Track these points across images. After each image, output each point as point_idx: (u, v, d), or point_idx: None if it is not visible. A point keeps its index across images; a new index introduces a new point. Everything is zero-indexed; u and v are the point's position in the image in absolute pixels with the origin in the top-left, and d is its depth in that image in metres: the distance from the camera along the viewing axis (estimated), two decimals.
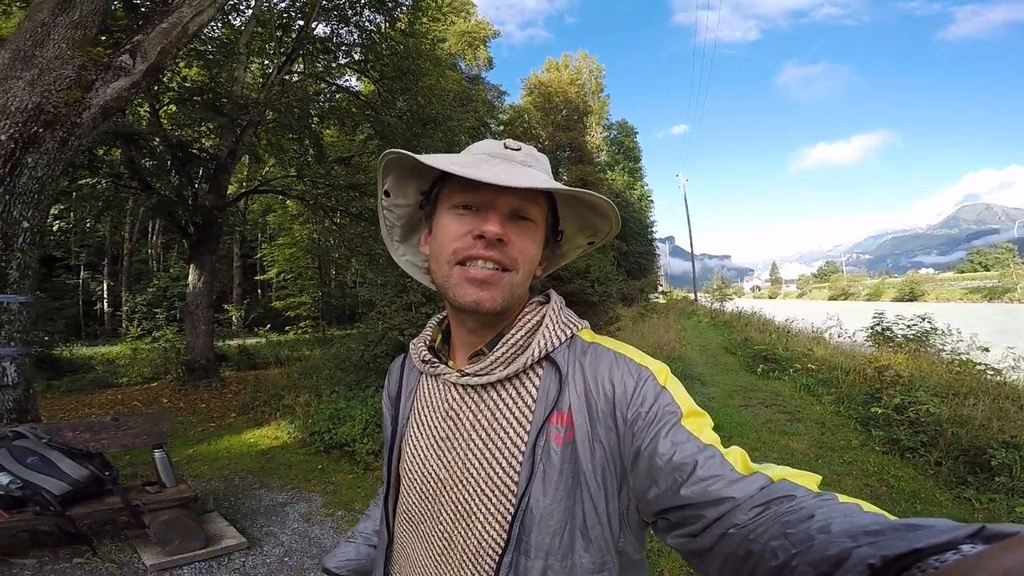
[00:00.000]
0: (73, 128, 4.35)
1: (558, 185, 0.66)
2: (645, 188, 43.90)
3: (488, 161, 0.69)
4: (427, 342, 0.80)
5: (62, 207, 15.87)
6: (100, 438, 3.27)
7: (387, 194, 0.77)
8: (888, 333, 10.26)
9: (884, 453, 5.07)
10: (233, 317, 19.97)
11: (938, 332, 9.41)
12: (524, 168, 0.69)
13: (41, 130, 4.15)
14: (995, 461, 4.15)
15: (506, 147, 0.72)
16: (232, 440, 5.96)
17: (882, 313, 10.96)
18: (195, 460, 5.22)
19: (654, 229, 43.37)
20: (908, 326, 9.89)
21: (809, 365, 8.57)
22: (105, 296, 21.04)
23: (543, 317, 0.73)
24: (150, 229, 22.76)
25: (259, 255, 21.81)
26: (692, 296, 38.52)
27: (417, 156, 0.66)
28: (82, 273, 20.86)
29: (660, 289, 39.74)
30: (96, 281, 21.29)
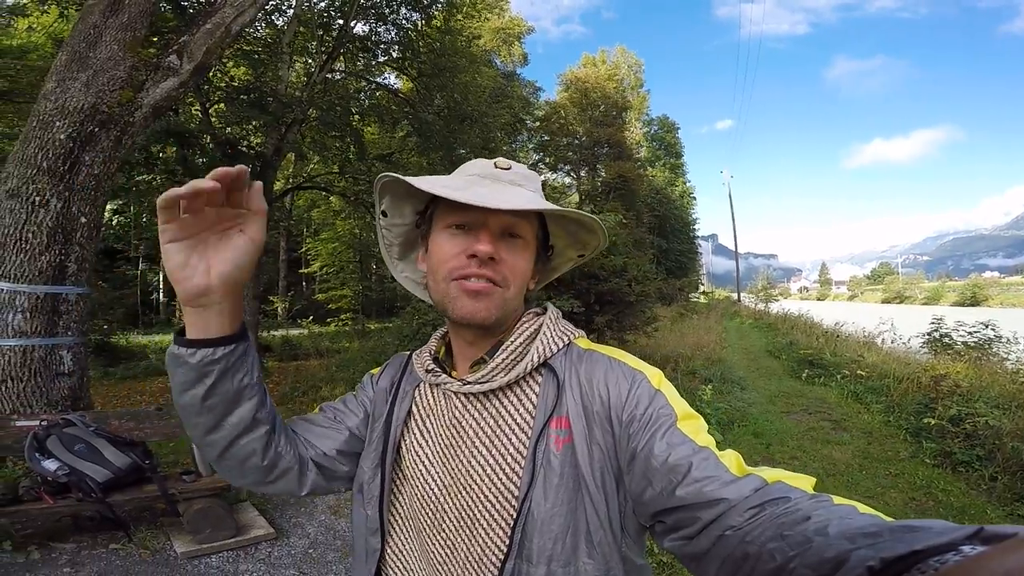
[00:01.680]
0: (126, 127, 4.55)
1: (546, 205, 0.69)
2: (687, 185, 42.90)
3: (478, 182, 0.72)
4: (431, 353, 0.81)
5: (121, 202, 16.74)
6: (144, 427, 3.41)
7: (384, 214, 0.80)
8: (947, 340, 9.70)
9: (934, 466, 4.79)
10: (279, 308, 20.68)
11: (1003, 340, 8.84)
12: (512, 188, 0.72)
13: (96, 129, 4.36)
14: None
15: (496, 167, 0.74)
16: None
17: (941, 318, 10.35)
18: None
19: (696, 227, 42.35)
20: (969, 333, 9.32)
21: (858, 371, 8.16)
22: (161, 287, 22.11)
23: (540, 326, 0.76)
24: None
25: (304, 249, 22.50)
26: (735, 296, 37.44)
27: (409, 180, 0.68)
28: (140, 264, 21.98)
29: (701, 289, 38.76)
30: (152, 272, 22.38)
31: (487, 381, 0.71)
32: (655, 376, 0.69)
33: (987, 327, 9.13)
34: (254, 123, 9.55)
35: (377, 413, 0.83)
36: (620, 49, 37.33)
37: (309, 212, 21.48)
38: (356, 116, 11.26)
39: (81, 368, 4.39)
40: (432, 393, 0.79)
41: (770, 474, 0.56)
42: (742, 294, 36.42)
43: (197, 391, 0.65)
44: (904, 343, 11.02)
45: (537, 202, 0.70)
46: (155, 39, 6.12)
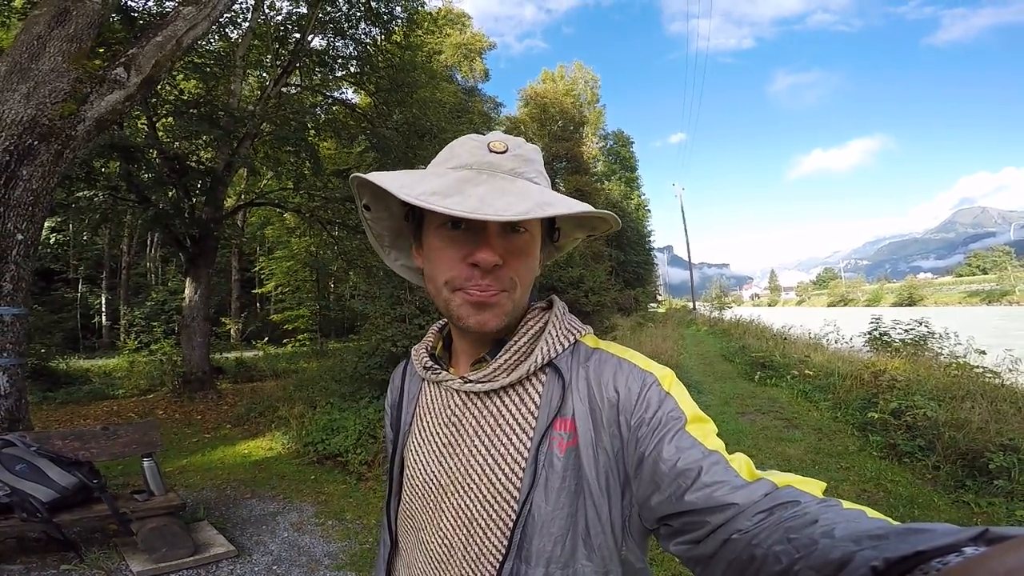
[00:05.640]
0: (68, 141, 4.38)
1: (559, 204, 0.61)
2: (642, 198, 44.07)
3: (472, 180, 0.61)
4: (428, 348, 0.79)
5: (59, 219, 15.91)
6: (90, 447, 3.26)
7: (367, 208, 0.74)
8: (886, 338, 10.26)
9: (881, 458, 5.03)
10: (231, 330, 19.94)
11: (936, 336, 9.41)
12: (514, 182, 0.63)
13: (36, 143, 4.18)
14: (993, 464, 4.10)
15: (491, 150, 0.66)
16: (226, 451, 5.94)
17: (879, 318, 10.96)
18: (188, 470, 5.20)
19: (652, 239, 43.43)
20: (905, 330, 9.89)
21: (806, 371, 8.54)
22: (103, 309, 20.99)
23: (546, 323, 0.72)
24: (149, 242, 22.81)
25: (257, 268, 21.82)
26: (691, 305, 38.55)
27: (385, 183, 0.59)
28: (80, 286, 20.82)
29: (659, 299, 39.71)
30: (94, 294, 21.26)
31: (488, 380, 0.69)
32: (666, 378, 0.67)
33: (921, 324, 9.70)
34: (204, 137, 9.29)
35: (389, 424, 0.84)
36: (577, 64, 38.41)
37: (262, 230, 20.87)
38: (312, 131, 11.12)
39: (19, 390, 4.16)
40: (432, 390, 0.78)
41: (780, 478, 0.56)
42: (697, 303, 37.54)
43: None
44: (848, 343, 11.59)
45: (548, 200, 0.60)
46: (102, 51, 5.93)
